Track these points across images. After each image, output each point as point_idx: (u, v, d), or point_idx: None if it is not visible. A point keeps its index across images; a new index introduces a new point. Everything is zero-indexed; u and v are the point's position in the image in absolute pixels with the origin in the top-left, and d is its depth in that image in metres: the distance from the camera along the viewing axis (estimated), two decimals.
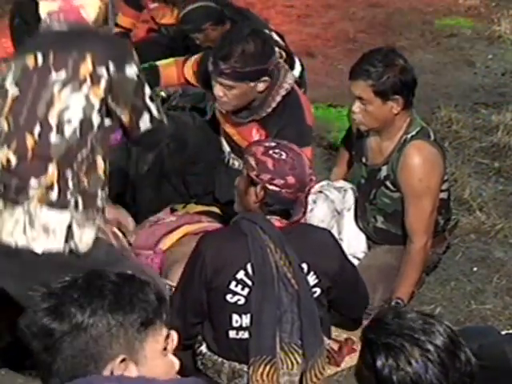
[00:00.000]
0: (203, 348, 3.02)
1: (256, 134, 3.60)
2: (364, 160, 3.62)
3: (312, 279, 2.93)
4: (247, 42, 3.38)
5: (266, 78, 3.41)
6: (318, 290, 2.95)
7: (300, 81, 4.84)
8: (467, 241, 4.12)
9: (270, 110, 3.51)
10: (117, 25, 5.47)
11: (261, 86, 3.42)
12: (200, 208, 3.92)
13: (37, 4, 5.42)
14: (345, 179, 3.93)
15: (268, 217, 2.94)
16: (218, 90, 3.45)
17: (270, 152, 2.93)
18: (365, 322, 3.49)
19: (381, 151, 3.54)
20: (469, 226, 4.20)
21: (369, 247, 3.73)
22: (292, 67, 4.79)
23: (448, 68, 6.33)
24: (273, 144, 2.99)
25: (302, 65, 4.90)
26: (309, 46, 6.76)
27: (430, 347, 1.91)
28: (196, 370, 3.03)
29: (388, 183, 3.52)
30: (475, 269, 3.93)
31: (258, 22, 4.79)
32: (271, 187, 2.90)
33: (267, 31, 4.74)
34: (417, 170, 3.44)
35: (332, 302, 3.07)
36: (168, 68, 4.07)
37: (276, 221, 2.94)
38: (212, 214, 3.76)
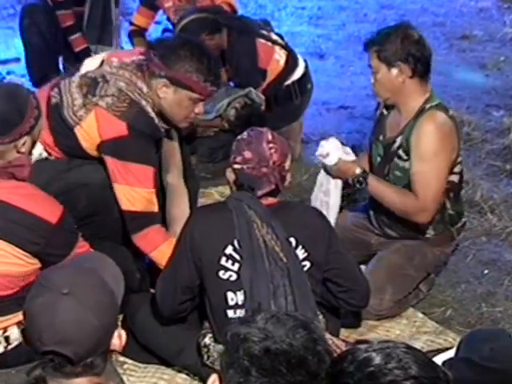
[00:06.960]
0: (207, 340, 3.03)
1: None
2: (381, 138, 3.62)
3: (301, 253, 2.93)
4: None
5: None
6: (307, 264, 2.94)
7: (304, 78, 4.88)
8: (478, 243, 4.10)
9: None
10: (133, 23, 5.54)
11: None
12: None
13: (48, 5, 5.48)
14: None
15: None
16: None
17: (238, 136, 3.03)
18: (372, 323, 3.50)
19: (398, 125, 3.55)
20: (480, 228, 4.19)
21: (375, 251, 3.71)
22: (295, 65, 4.83)
23: (460, 70, 6.32)
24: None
25: (305, 60, 4.93)
26: (320, 47, 6.76)
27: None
28: (203, 365, 3.04)
29: (401, 152, 3.51)
30: (486, 271, 3.91)
31: (255, 25, 4.83)
32: (235, 166, 2.97)
33: (265, 32, 4.79)
34: (427, 135, 3.43)
35: (331, 281, 3.04)
36: None
37: (263, 199, 2.96)
38: None
